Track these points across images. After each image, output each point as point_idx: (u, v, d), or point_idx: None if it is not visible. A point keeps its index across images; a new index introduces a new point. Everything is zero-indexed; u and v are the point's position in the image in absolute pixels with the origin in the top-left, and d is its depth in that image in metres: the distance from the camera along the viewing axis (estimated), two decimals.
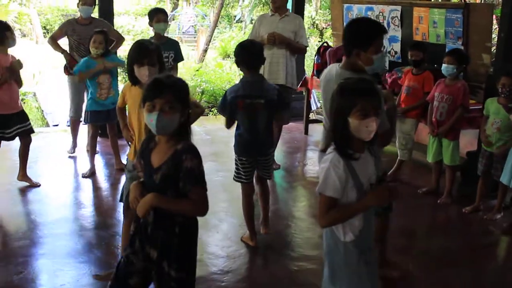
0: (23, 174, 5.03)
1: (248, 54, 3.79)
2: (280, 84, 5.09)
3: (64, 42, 5.96)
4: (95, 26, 5.58)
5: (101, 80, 5.26)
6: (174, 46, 5.55)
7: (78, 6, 5.86)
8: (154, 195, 2.31)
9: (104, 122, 5.51)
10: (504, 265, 4.19)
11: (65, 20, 6.44)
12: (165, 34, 5.82)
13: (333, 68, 3.12)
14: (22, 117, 4.94)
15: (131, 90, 3.36)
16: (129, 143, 3.54)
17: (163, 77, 2.40)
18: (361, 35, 2.94)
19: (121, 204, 3.56)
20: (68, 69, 5.84)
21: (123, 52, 8.03)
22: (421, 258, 4.05)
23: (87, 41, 5.33)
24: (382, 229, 3.49)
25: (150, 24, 5.50)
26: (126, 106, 3.57)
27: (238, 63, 3.86)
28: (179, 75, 5.80)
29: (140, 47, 3.24)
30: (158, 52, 3.27)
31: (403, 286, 3.62)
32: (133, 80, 3.25)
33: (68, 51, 5.86)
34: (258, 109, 3.75)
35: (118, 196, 3.95)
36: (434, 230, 4.71)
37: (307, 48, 6.08)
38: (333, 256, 2.38)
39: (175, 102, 2.28)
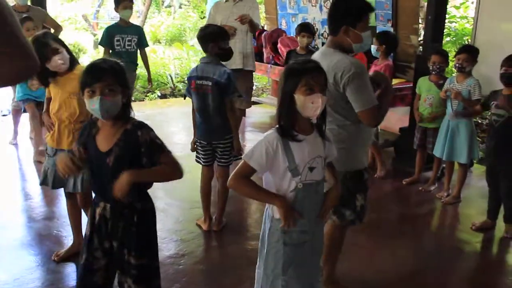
0: None
1: (199, 38, 3.90)
2: (238, 68, 5.28)
3: None
4: (32, 14, 5.49)
5: None
6: (138, 32, 5.81)
7: None
8: (128, 173, 2.27)
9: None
10: (440, 232, 4.53)
11: None
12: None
13: (321, 49, 3.07)
14: None
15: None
16: (48, 128, 3.51)
17: (99, 61, 2.40)
18: (350, 12, 2.85)
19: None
20: None
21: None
22: (366, 229, 4.24)
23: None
24: (333, 240, 3.19)
25: (116, 10, 5.69)
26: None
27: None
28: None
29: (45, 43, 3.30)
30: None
31: (351, 255, 3.80)
32: (43, 80, 3.37)
33: None
34: (206, 91, 3.80)
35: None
36: (374, 203, 4.95)
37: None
38: (264, 228, 2.46)
39: (114, 84, 2.30)
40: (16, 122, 5.97)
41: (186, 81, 3.98)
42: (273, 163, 2.27)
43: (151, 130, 2.38)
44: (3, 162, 5.50)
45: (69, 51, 3.38)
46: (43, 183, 3.51)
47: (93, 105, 2.28)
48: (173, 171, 2.39)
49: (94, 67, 2.35)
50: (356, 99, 2.75)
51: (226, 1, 5.78)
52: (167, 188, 4.90)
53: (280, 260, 2.37)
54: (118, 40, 5.56)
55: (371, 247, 3.99)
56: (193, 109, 3.97)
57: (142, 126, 2.38)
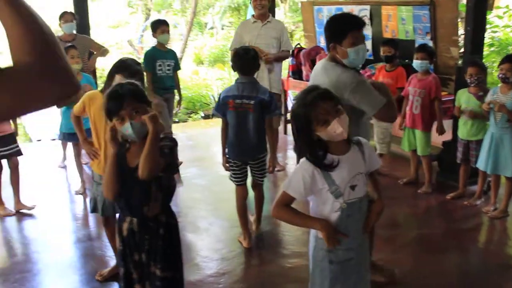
0: (17, 201, 4.89)
1: (241, 61, 3.91)
2: None
3: None
4: (77, 42, 5.68)
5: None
6: (174, 56, 5.94)
7: (60, 26, 6.01)
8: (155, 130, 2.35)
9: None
10: (487, 248, 4.38)
11: None
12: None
13: (320, 62, 3.23)
14: (8, 140, 4.78)
15: (96, 101, 3.42)
16: (91, 156, 3.58)
17: (117, 87, 2.49)
18: (335, 29, 3.03)
19: None
20: None
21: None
22: (408, 246, 4.22)
23: None
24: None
25: (154, 35, 5.82)
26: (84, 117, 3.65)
27: (234, 68, 4.02)
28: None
29: (126, 62, 3.47)
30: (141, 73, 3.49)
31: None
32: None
33: None
34: (247, 110, 3.83)
35: None
36: (418, 219, 4.89)
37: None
38: (310, 246, 2.48)
39: (138, 105, 2.41)
40: (64, 146, 6.17)
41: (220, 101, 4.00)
42: (312, 188, 2.29)
43: (173, 141, 2.51)
44: (52, 184, 5.71)
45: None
46: (94, 210, 3.62)
47: (126, 131, 2.40)
48: (157, 166, 2.40)
49: (114, 94, 2.45)
50: (367, 104, 2.93)
51: (254, 22, 5.71)
52: (211, 207, 5.00)
53: (327, 279, 2.38)
54: (160, 65, 5.69)
55: (413, 264, 3.91)
56: (223, 128, 3.99)
57: (168, 138, 2.51)
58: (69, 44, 5.38)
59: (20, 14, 1.01)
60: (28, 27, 1.01)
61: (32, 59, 0.99)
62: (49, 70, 1.01)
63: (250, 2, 5.89)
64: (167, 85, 5.77)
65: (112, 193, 2.53)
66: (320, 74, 3.06)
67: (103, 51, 6.22)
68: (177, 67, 5.95)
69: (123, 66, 3.40)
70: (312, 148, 2.26)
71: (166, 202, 2.61)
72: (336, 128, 2.20)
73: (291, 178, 2.33)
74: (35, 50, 1.00)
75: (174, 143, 2.52)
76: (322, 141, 2.25)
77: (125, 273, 2.63)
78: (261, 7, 5.60)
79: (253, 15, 5.78)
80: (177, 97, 6.03)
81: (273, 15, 8.00)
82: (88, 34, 6.49)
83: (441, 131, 5.11)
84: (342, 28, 3.00)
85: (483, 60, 5.80)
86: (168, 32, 5.81)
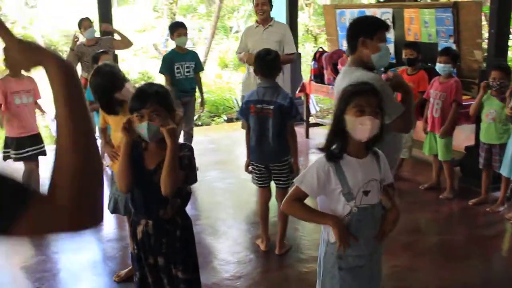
0: None
1: (261, 63, 3.92)
2: None
3: None
4: (100, 45, 5.78)
5: None
6: (194, 57, 5.95)
7: (82, 34, 6.16)
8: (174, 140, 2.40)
9: None
10: (510, 256, 4.28)
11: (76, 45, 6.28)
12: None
13: (341, 70, 3.20)
14: (36, 139, 4.97)
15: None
16: (112, 158, 3.61)
17: (145, 86, 2.54)
18: (365, 25, 3.00)
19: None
20: None
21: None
22: (429, 252, 4.16)
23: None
24: None
25: (172, 38, 5.87)
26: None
27: (256, 71, 4.02)
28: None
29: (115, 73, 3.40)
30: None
31: (413, 280, 3.71)
32: (111, 109, 3.33)
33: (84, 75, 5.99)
34: (267, 115, 3.84)
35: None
36: (439, 225, 4.82)
37: (302, 54, 6.14)
38: (320, 250, 2.46)
39: (160, 109, 2.43)
40: None
41: (243, 104, 4.03)
42: (325, 187, 2.27)
43: (191, 150, 2.54)
44: None
45: None
46: (114, 211, 3.66)
47: (142, 129, 2.43)
48: (178, 181, 2.44)
49: (141, 92, 2.49)
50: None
51: (256, 26, 5.76)
52: (231, 211, 5.00)
53: (337, 286, 2.36)
54: (178, 68, 5.72)
55: (434, 270, 3.84)
56: (247, 132, 4.01)
57: (186, 145, 2.59)
58: (101, 50, 5.36)
59: (82, 151, 1.07)
60: (83, 171, 1.06)
61: (72, 204, 1.04)
62: (81, 214, 1.06)
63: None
64: (187, 88, 5.79)
65: (125, 185, 2.51)
66: (341, 79, 2.99)
67: (127, 40, 6.30)
68: (198, 68, 5.95)
69: (117, 83, 3.30)
70: (334, 137, 2.28)
71: (182, 206, 2.63)
72: (364, 123, 2.20)
73: (306, 173, 2.32)
74: (78, 198, 1.05)
75: (191, 152, 2.54)
76: (345, 135, 2.25)
77: (140, 278, 2.65)
78: (262, 13, 5.67)
79: (256, 21, 5.84)
80: (199, 99, 6.06)
81: (296, 19, 8.07)
82: (112, 37, 6.59)
83: (444, 133, 4.99)
84: (372, 25, 2.99)
85: (509, 64, 5.69)
86: (185, 34, 5.81)
